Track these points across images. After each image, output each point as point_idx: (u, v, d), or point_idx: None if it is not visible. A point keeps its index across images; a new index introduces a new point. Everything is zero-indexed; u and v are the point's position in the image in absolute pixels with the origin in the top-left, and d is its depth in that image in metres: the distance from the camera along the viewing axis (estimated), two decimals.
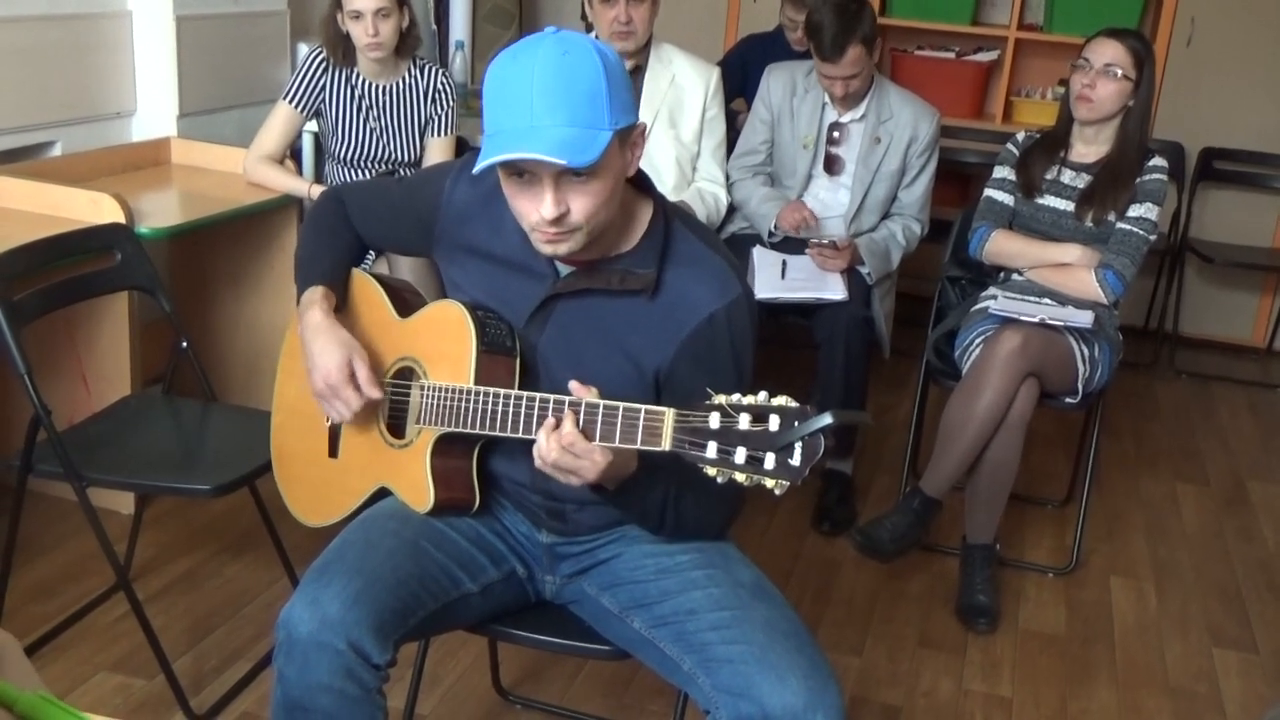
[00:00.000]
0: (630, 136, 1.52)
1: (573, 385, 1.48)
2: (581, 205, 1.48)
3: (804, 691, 1.49)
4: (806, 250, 3.24)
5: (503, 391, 1.56)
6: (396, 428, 1.74)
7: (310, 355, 1.70)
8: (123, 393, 2.74)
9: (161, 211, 2.99)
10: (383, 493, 1.75)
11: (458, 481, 1.69)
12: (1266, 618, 2.95)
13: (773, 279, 3.18)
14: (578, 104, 1.43)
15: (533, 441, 1.51)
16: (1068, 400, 2.91)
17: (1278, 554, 3.28)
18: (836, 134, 3.33)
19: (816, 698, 1.50)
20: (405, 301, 1.79)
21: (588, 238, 1.52)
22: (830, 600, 2.87)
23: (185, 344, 2.49)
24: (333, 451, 1.82)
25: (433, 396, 1.64)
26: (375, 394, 1.68)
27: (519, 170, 1.47)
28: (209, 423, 2.49)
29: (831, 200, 3.37)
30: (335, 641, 1.51)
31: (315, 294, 1.75)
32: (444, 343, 1.65)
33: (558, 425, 1.47)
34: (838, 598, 2.88)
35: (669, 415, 1.41)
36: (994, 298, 2.97)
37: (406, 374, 1.73)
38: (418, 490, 1.68)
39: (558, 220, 1.48)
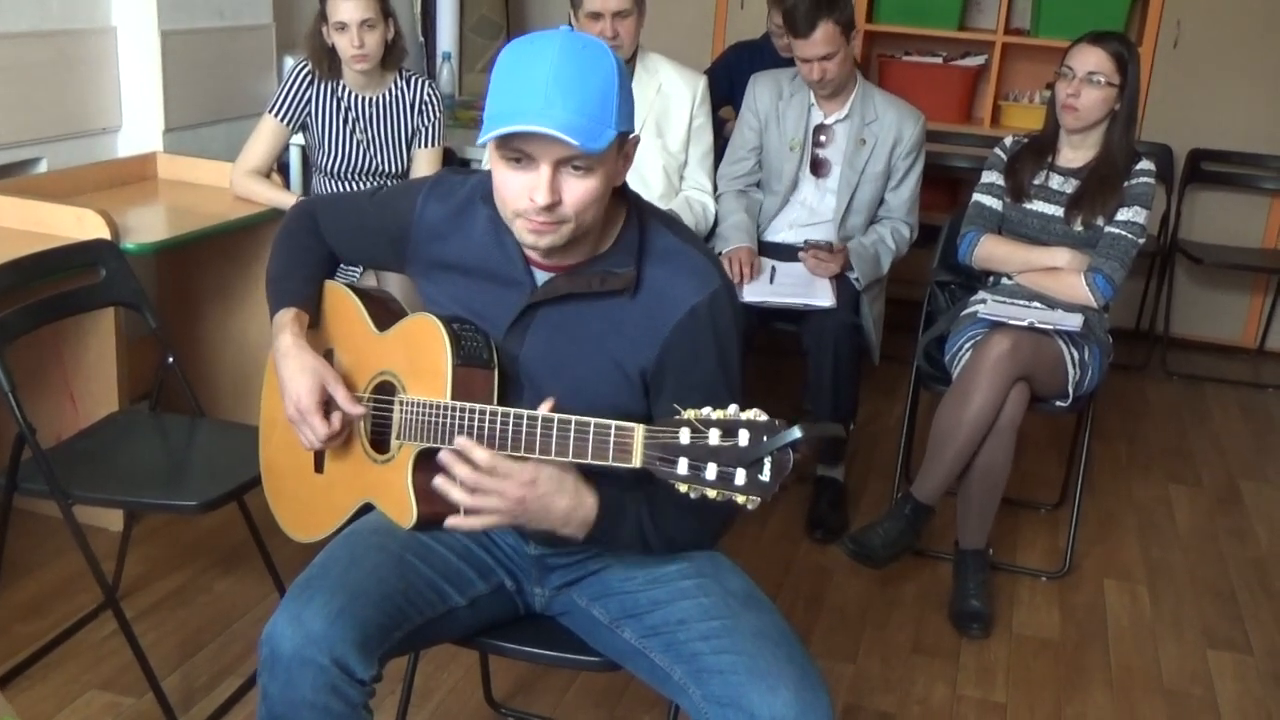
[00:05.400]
0: (626, 145, 1.54)
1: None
2: (575, 197, 1.48)
3: (794, 701, 1.48)
4: (800, 255, 3.24)
5: (478, 407, 1.55)
6: (380, 443, 1.73)
7: (282, 381, 1.72)
8: (110, 409, 2.73)
9: (147, 227, 2.98)
10: (368, 508, 1.75)
11: (440, 496, 1.68)
12: (1260, 618, 2.95)
13: (761, 283, 3.18)
14: (590, 97, 1.45)
15: (511, 457, 1.52)
16: (1058, 403, 2.91)
17: (1271, 554, 3.28)
18: (823, 137, 3.34)
19: (807, 707, 1.49)
20: (383, 315, 1.78)
21: (572, 234, 1.52)
22: (823, 607, 2.86)
23: (172, 359, 2.49)
24: (318, 467, 1.81)
25: (411, 412, 1.64)
26: (357, 410, 1.69)
27: (516, 155, 1.48)
28: (196, 438, 2.48)
29: (819, 205, 3.37)
30: (319, 657, 1.50)
31: (286, 316, 1.76)
32: (421, 357, 1.64)
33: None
34: (830, 605, 2.87)
35: (639, 431, 1.41)
36: (983, 302, 2.97)
37: (387, 389, 1.72)
38: (400, 506, 1.67)
39: (549, 208, 1.48)
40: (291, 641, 1.51)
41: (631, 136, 1.54)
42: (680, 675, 1.58)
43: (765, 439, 1.33)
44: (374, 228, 1.78)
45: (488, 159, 3.81)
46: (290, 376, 1.70)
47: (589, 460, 1.46)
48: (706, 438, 1.35)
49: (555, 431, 1.47)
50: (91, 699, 2.32)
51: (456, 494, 1.52)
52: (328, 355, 1.82)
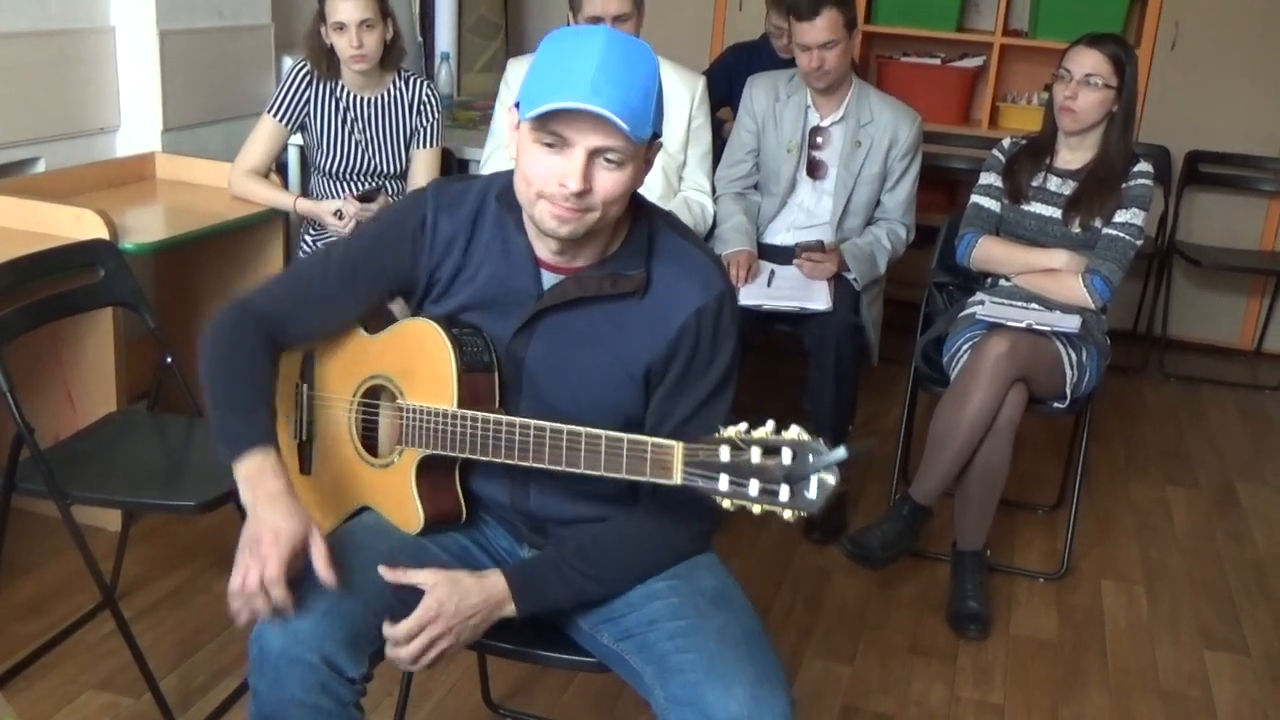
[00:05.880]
0: (651, 149, 1.55)
1: None
2: (605, 188, 1.49)
3: (748, 701, 1.48)
4: (794, 261, 3.24)
5: (491, 417, 1.55)
6: (369, 445, 1.72)
7: (260, 519, 1.51)
8: (108, 409, 2.73)
9: (146, 227, 2.98)
10: (361, 508, 1.74)
11: (444, 498, 1.68)
12: (1257, 619, 2.95)
13: (758, 286, 3.18)
14: (634, 90, 1.45)
15: (517, 466, 1.54)
16: (1056, 405, 2.91)
17: (1268, 555, 3.29)
18: (819, 139, 3.34)
19: (762, 706, 1.48)
20: (374, 316, 1.74)
21: (594, 225, 1.52)
22: (821, 608, 2.86)
23: (170, 359, 2.48)
24: (305, 468, 1.80)
25: (415, 419, 1.62)
26: (330, 580, 1.51)
27: (552, 138, 1.47)
28: (194, 439, 2.48)
29: (816, 207, 3.37)
30: (307, 656, 1.50)
31: (268, 462, 1.55)
32: (420, 362, 1.63)
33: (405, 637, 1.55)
34: (829, 606, 2.87)
35: (678, 449, 1.41)
36: (981, 303, 2.97)
37: (376, 392, 1.71)
38: (405, 511, 1.67)
39: (579, 195, 1.48)
40: (279, 640, 1.50)
41: (657, 141, 1.55)
42: (650, 676, 1.58)
43: (811, 458, 1.33)
44: (373, 271, 1.67)
45: (486, 159, 3.79)
46: (280, 515, 1.51)
47: (623, 474, 1.46)
48: (748, 455, 1.35)
49: (584, 445, 1.47)
50: (89, 699, 2.32)
51: (410, 662, 1.56)
52: (308, 356, 1.80)
